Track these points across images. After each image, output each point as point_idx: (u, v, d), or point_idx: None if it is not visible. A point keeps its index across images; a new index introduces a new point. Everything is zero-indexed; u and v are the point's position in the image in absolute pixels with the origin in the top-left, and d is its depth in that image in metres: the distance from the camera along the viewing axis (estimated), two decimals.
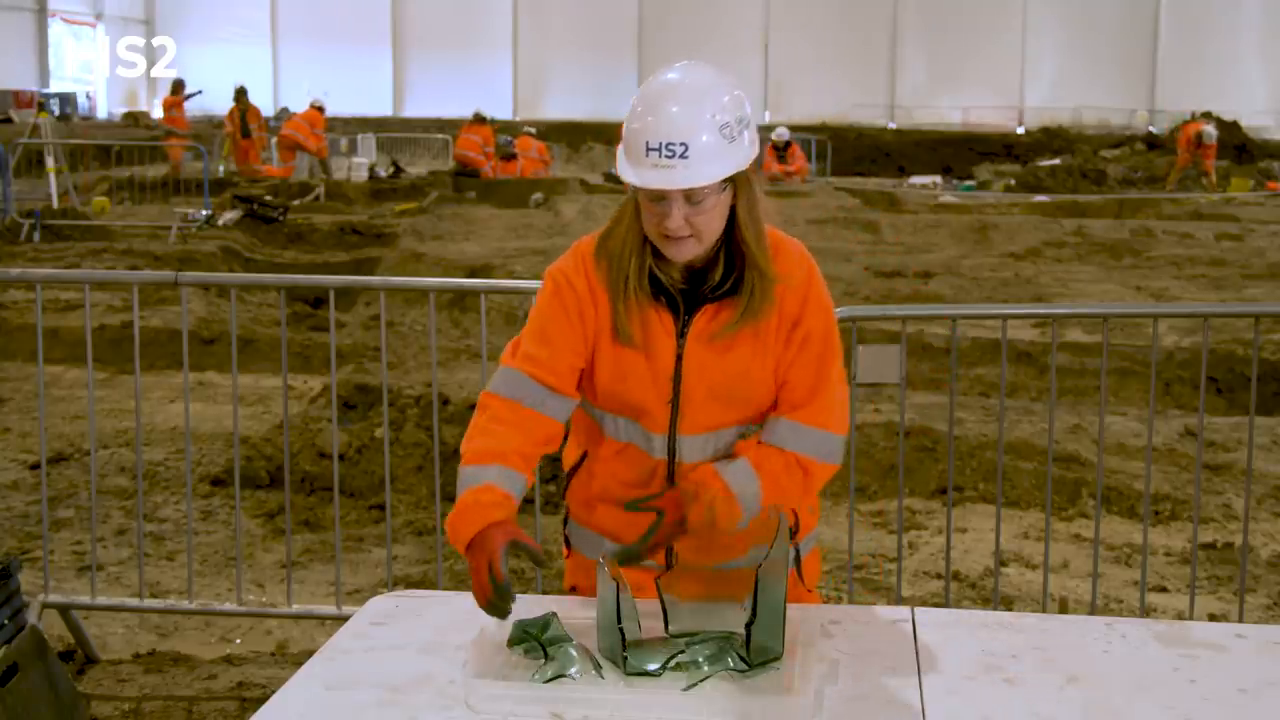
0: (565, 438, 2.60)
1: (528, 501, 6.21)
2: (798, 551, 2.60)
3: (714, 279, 2.41)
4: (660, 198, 2.31)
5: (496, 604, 2.20)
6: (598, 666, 2.17)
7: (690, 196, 2.30)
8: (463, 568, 5.33)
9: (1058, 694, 2.12)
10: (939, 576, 5.11)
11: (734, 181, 2.35)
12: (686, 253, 2.37)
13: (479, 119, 21.66)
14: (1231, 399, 8.09)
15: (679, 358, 2.43)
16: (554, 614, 2.24)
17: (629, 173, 2.32)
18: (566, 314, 2.44)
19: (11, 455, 6.92)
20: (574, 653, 2.18)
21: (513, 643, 2.23)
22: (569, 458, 2.65)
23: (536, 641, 2.20)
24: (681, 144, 2.26)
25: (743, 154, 2.33)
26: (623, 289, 2.41)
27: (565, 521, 2.71)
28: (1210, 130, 22.07)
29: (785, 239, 2.48)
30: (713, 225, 2.35)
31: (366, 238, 15.00)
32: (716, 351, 2.42)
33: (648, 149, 2.28)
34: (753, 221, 2.40)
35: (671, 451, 2.48)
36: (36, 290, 4.76)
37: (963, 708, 2.07)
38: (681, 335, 2.43)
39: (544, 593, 4.57)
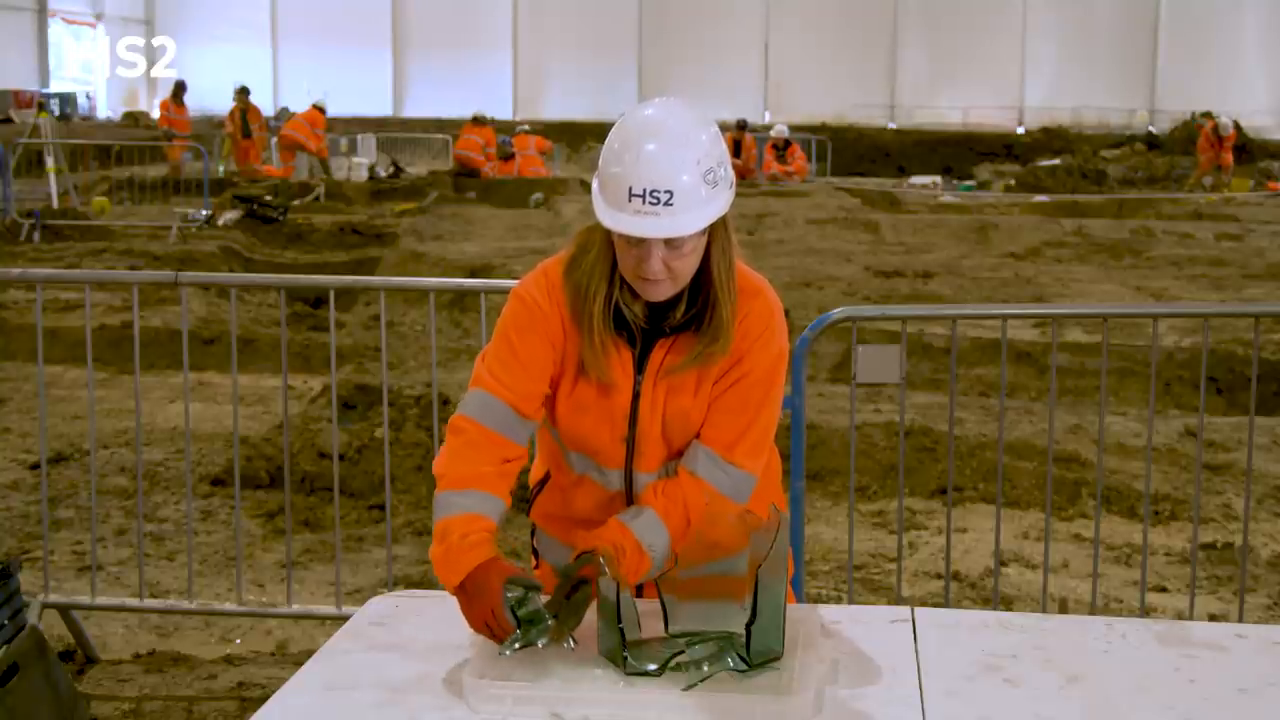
0: (532, 456, 2.60)
1: (526, 501, 6.19)
2: None
3: (676, 316, 2.38)
4: (639, 242, 2.26)
5: (507, 644, 2.21)
6: (572, 640, 2.20)
7: (670, 241, 2.26)
8: None
9: (1058, 694, 2.12)
10: (939, 576, 5.11)
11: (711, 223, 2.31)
12: (662, 294, 2.33)
13: (479, 120, 21.70)
14: (1231, 399, 8.09)
15: (636, 395, 2.41)
16: (535, 591, 2.25)
17: (609, 217, 2.26)
18: (538, 338, 2.40)
19: (11, 455, 6.92)
20: (546, 627, 2.21)
21: None
22: (535, 474, 2.65)
23: (513, 615, 2.21)
24: (666, 191, 2.21)
25: (724, 198, 2.29)
26: (588, 323, 2.37)
27: (533, 533, 2.71)
28: (1225, 121, 22.14)
29: (753, 278, 2.44)
30: (690, 267, 2.32)
31: (366, 238, 14.99)
32: (666, 389, 2.41)
33: (630, 194, 2.22)
34: (725, 264, 2.36)
35: (629, 483, 2.48)
36: (37, 290, 4.76)
37: (963, 708, 2.07)
38: (639, 372, 2.41)
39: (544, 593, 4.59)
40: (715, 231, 2.33)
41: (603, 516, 2.44)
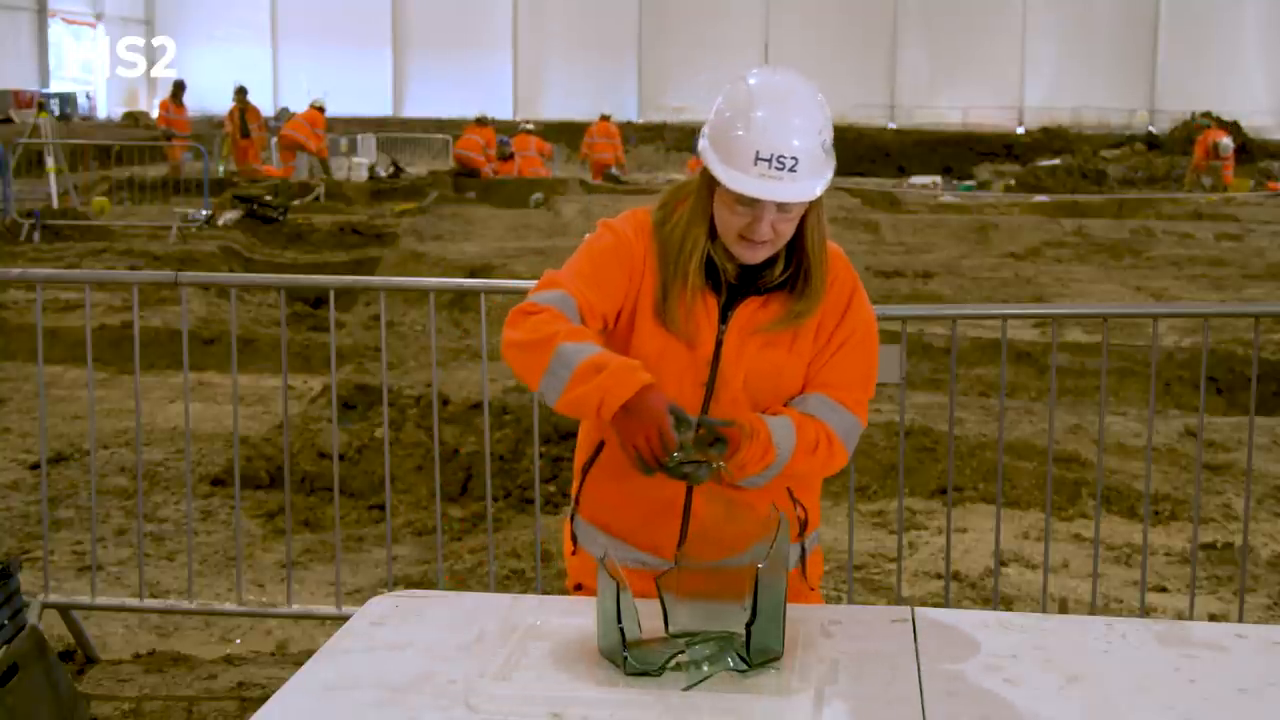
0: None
1: (527, 501, 6.17)
2: (803, 549, 2.60)
3: (772, 274, 2.44)
4: (752, 204, 2.32)
5: (669, 469, 2.24)
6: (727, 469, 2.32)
7: (782, 205, 2.32)
8: (462, 567, 5.33)
9: (1058, 694, 2.12)
10: (939, 576, 5.11)
11: None
12: (762, 255, 2.40)
13: (482, 121, 21.79)
14: (1231, 399, 8.09)
15: (718, 344, 2.45)
16: (687, 426, 2.29)
17: (728, 177, 2.31)
18: (621, 269, 2.45)
19: (11, 455, 6.92)
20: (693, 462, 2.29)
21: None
22: (584, 449, 2.61)
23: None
24: (793, 158, 2.28)
25: (833, 166, 2.37)
26: (682, 278, 2.42)
27: (573, 517, 2.67)
28: (1227, 142, 21.90)
29: (831, 245, 2.51)
30: (790, 231, 2.39)
31: (366, 238, 15.00)
32: (757, 345, 2.45)
33: (757, 158, 2.28)
34: (820, 229, 2.43)
35: None
36: (37, 290, 4.76)
37: (963, 708, 2.07)
38: (723, 322, 2.45)
39: (545, 592, 4.58)
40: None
41: (662, 486, 2.40)
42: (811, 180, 2.31)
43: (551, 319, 2.34)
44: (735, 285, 2.45)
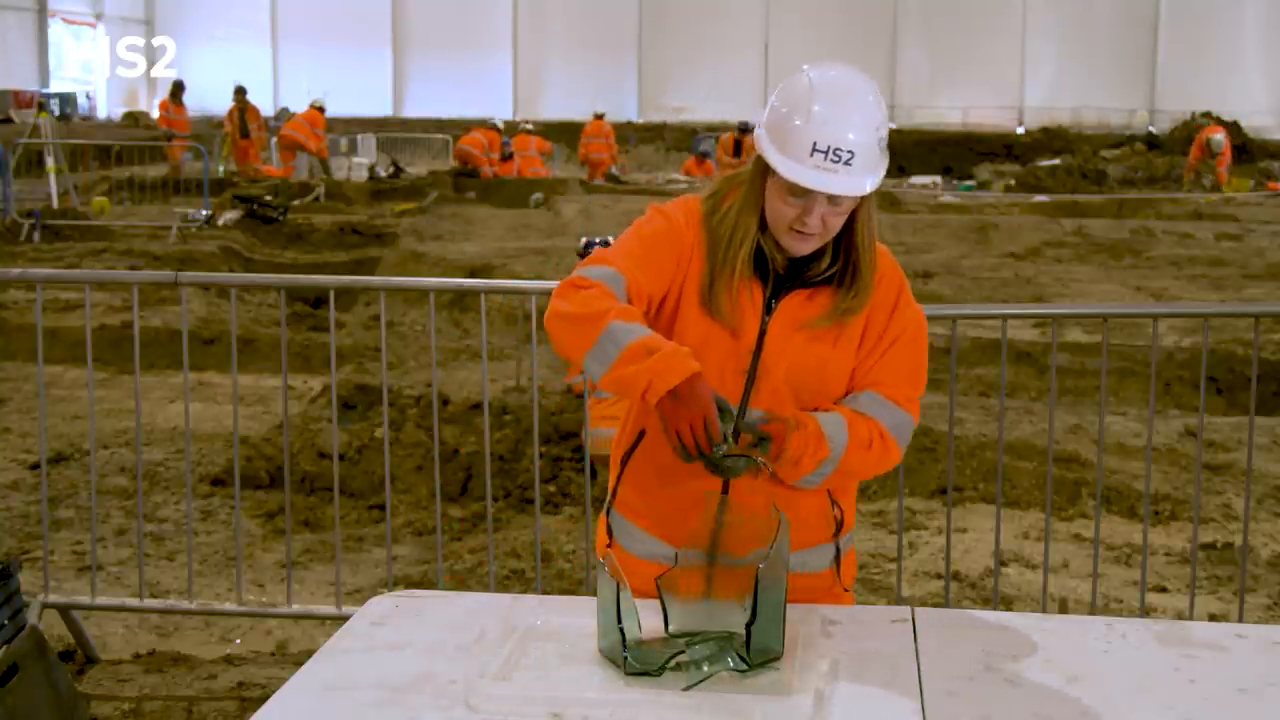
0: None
1: (527, 501, 6.16)
2: (838, 549, 2.59)
3: (820, 267, 2.45)
4: (804, 195, 2.33)
5: (711, 459, 2.25)
6: (768, 465, 2.34)
7: (833, 198, 2.33)
8: (462, 567, 5.33)
9: (1058, 694, 2.12)
10: (939, 576, 5.11)
11: None
12: (810, 247, 2.41)
13: (491, 126, 21.88)
14: (1231, 399, 8.09)
15: (762, 333, 2.45)
16: (729, 417, 2.31)
17: (784, 166, 2.32)
18: (670, 254, 2.45)
19: (11, 455, 6.92)
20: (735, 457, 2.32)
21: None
22: (623, 440, 2.60)
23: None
24: (849, 152, 2.29)
25: (886, 162, 2.39)
26: (730, 267, 2.42)
27: (609, 511, 2.65)
28: (1218, 139, 21.76)
29: (878, 244, 2.51)
30: (839, 224, 2.40)
31: (366, 238, 14.99)
32: (802, 338, 2.45)
33: (814, 149, 2.29)
34: (870, 225, 2.44)
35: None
36: (37, 290, 4.76)
37: (963, 708, 2.07)
38: (767, 312, 2.45)
39: (545, 592, 4.59)
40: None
41: (701, 475, 2.37)
42: (865, 175, 2.32)
43: (602, 295, 2.35)
44: (782, 276, 2.46)
